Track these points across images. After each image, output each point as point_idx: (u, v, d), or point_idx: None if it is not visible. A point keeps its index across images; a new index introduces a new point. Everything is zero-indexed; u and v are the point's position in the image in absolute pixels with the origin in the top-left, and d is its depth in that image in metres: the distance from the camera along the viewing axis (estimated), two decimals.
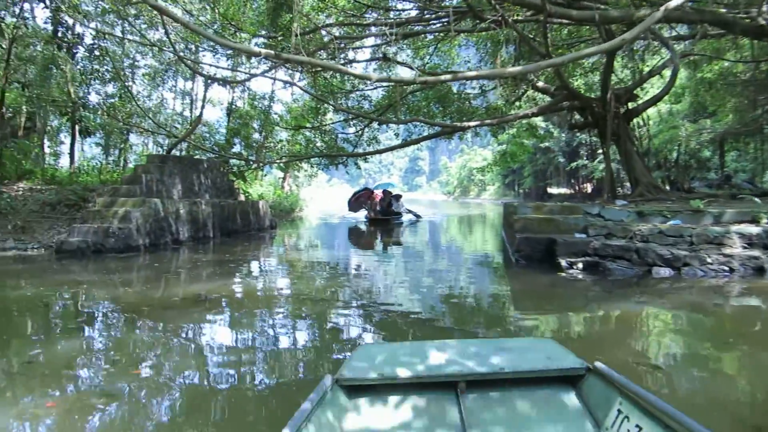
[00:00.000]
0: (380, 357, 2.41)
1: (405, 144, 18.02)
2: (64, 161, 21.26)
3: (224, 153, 19.66)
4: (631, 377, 2.11)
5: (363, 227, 21.01)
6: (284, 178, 34.61)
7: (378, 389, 2.22)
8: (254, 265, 10.04)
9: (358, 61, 19.43)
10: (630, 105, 15.48)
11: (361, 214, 25.42)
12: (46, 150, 20.91)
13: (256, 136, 26.60)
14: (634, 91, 15.61)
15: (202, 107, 15.03)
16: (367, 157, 24.42)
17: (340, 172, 27.71)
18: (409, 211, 26.86)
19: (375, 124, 23.39)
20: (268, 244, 13.90)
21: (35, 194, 13.26)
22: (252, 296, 7.13)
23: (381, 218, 22.72)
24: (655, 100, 16.00)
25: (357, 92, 22.26)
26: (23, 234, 11.85)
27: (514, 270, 9.33)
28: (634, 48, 17.60)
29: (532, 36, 14.79)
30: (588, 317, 6.06)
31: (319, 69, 20.28)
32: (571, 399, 2.18)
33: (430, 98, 19.79)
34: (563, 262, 8.82)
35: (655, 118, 26.23)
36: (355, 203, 25.49)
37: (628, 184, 21.19)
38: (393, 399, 2.20)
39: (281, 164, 31.58)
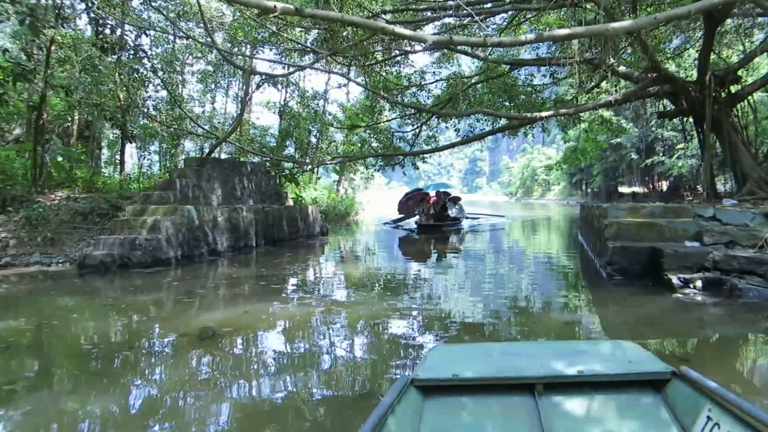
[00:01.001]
0: (455, 357, 2.39)
1: (466, 140, 16.29)
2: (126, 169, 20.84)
3: (273, 155, 18.52)
4: None
5: (413, 235, 18.28)
6: (339, 181, 33.47)
7: (454, 390, 2.13)
8: (292, 282, 8.63)
9: (414, 52, 17.87)
10: (733, 88, 13.16)
11: (413, 220, 21.90)
12: (104, 158, 20.58)
13: (310, 138, 25.57)
14: (738, 72, 13.26)
15: (242, 106, 13.86)
16: (425, 157, 22.86)
17: (398, 174, 26.17)
18: (469, 216, 23.90)
19: (433, 122, 21.91)
20: (314, 254, 12.50)
21: (70, 203, 12.41)
22: (272, 329, 5.67)
23: (433, 224, 19.20)
24: (763, 83, 13.61)
25: (414, 88, 20.83)
26: (52, 246, 10.94)
27: (607, 289, 7.47)
28: (739, 21, 15.19)
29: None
30: (751, 372, 4.24)
31: (373, 63, 18.92)
32: (655, 405, 2.00)
33: (495, 90, 17.99)
34: (675, 279, 6.91)
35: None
36: (405, 206, 22.64)
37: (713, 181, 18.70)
38: (469, 400, 2.10)
39: (335, 166, 30.47)
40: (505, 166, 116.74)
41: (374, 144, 22.60)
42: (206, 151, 25.80)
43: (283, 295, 7.42)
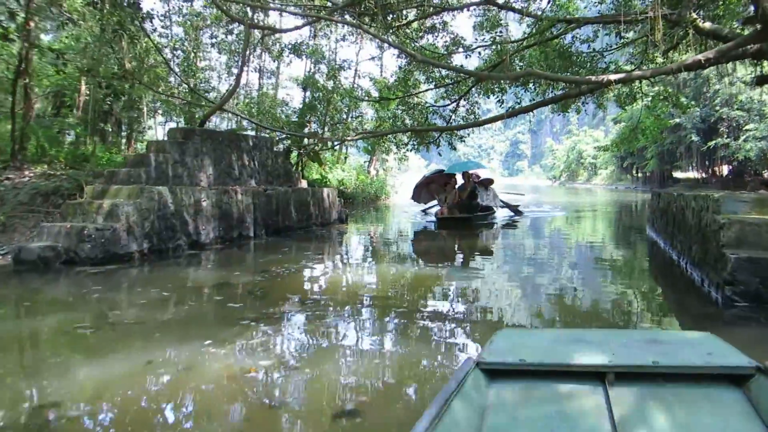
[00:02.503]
0: (522, 342, 2.30)
1: (511, 113, 13.67)
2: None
3: (287, 130, 16.28)
4: None
5: (432, 228, 14.59)
6: (370, 162, 31.14)
7: (520, 375, 2.01)
8: (255, 304, 6.31)
9: (452, 9, 15.31)
10: None
11: (435, 210, 16.81)
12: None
13: (336, 113, 23.28)
14: None
15: (241, 65, 11.56)
16: (463, 136, 20.29)
17: (437, 156, 23.32)
18: (506, 205, 18.81)
19: (473, 96, 19.38)
20: (316, 251, 10.06)
21: (35, 181, 10.47)
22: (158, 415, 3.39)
23: (458, 217, 14.58)
24: None
25: (452, 58, 18.29)
26: (3, 234, 9.02)
27: (728, 324, 4.95)
28: None
29: None
30: None
31: (404, 24, 16.48)
32: (737, 400, 1.82)
33: (549, 57, 15.26)
34: None
35: None
36: (422, 192, 17.67)
37: None
38: (536, 385, 1.96)
39: (366, 145, 28.11)
40: (549, 149, 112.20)
41: (407, 121, 20.17)
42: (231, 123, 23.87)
43: (232, 327, 4.89)
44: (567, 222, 17.43)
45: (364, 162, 32.33)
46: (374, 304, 5.69)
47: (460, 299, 5.90)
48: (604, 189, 59.73)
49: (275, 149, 13.46)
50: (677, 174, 52.88)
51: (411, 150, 22.36)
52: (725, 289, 5.20)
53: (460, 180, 16.40)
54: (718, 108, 37.58)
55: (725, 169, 44.43)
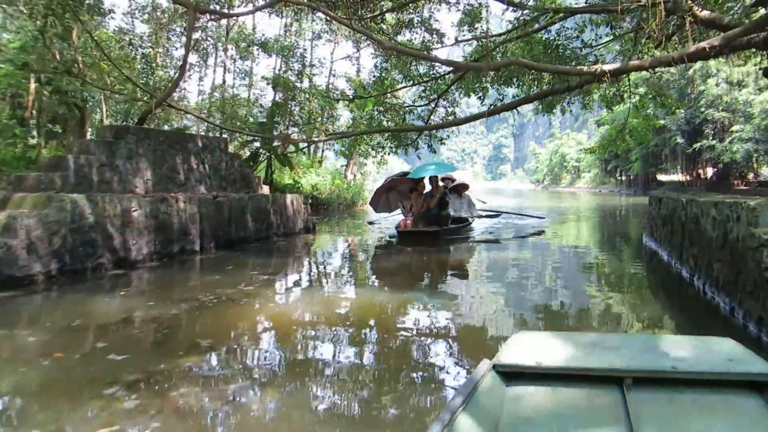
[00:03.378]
0: (539, 344, 2.21)
1: (494, 111, 12.46)
2: None
3: (247, 130, 14.89)
4: None
5: (391, 244, 11.79)
6: (348, 166, 29.77)
7: (537, 378, 1.99)
8: (149, 361, 4.99)
9: None
10: None
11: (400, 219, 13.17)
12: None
13: (310, 114, 21.91)
14: None
15: (186, 53, 10.11)
16: (443, 137, 19.03)
17: (419, 160, 21.86)
18: (485, 213, 16.14)
19: (454, 92, 18.20)
20: (270, 269, 8.52)
21: None
22: None
23: (421, 230, 11.82)
24: None
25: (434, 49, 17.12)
26: None
27: None
28: None
29: None
30: None
31: (377, 15, 15.23)
32: (757, 407, 1.80)
33: (533, 49, 14.07)
34: None
35: None
36: (382, 199, 14.46)
37: None
38: (552, 389, 1.95)
39: (335, 146, 26.79)
40: (532, 152, 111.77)
41: (385, 123, 18.87)
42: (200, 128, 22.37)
43: (92, 401, 3.49)
44: (555, 234, 15.63)
45: (342, 166, 30.98)
46: (308, 356, 4.29)
47: (424, 350, 4.54)
48: (587, 192, 58.97)
49: (236, 151, 12.10)
50: (661, 177, 52.31)
51: (388, 153, 21.13)
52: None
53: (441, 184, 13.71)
54: (703, 109, 36.89)
55: (710, 172, 43.84)
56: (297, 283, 7.52)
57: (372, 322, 5.30)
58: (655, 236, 9.57)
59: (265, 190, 12.54)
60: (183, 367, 3.79)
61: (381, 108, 18.56)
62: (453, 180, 14.46)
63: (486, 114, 12.83)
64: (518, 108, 14.56)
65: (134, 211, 7.98)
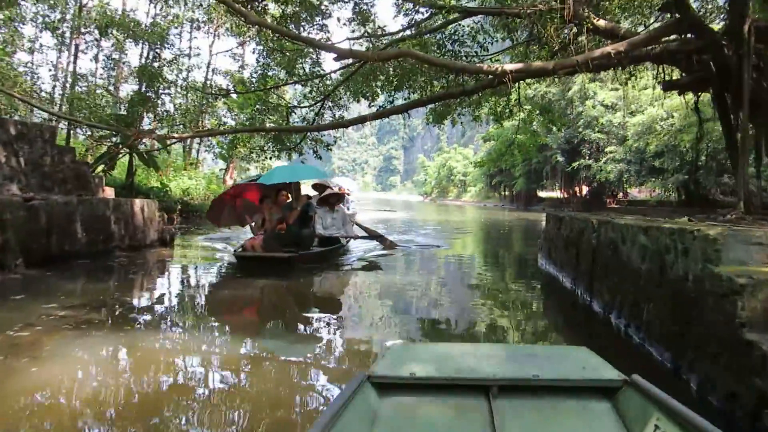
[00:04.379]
0: (413, 356, 2.30)
1: (384, 112, 11.22)
2: None
3: (93, 121, 12.51)
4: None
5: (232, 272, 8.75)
6: (227, 170, 27.45)
7: (409, 388, 2.05)
8: None
9: None
10: None
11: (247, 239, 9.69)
12: None
13: (182, 110, 19.55)
14: None
15: None
16: (329, 143, 17.53)
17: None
18: (368, 234, 11.92)
19: (342, 96, 16.87)
20: (87, 298, 6.28)
21: None
22: None
23: (269, 256, 8.64)
24: None
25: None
26: None
27: None
28: None
29: None
30: None
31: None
32: (606, 412, 1.95)
33: (428, 51, 13.01)
34: None
35: None
36: (226, 210, 10.72)
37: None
38: (424, 399, 2.03)
39: (214, 148, 24.48)
40: (421, 165, 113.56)
41: (268, 125, 17.07)
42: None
43: None
44: (448, 254, 14.23)
45: (221, 170, 28.56)
46: None
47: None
48: (474, 206, 60.19)
49: (91, 147, 9.80)
50: (541, 193, 54.49)
51: (270, 157, 19.28)
52: (762, 415, 2.80)
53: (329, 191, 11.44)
54: (581, 130, 38.48)
55: (584, 190, 46.09)
56: (99, 325, 5.08)
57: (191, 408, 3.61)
58: (554, 259, 8.67)
59: (109, 193, 10.34)
60: None
61: (263, 107, 16.86)
62: (335, 188, 12.31)
63: (375, 116, 11.59)
64: (408, 119, 13.47)
65: None
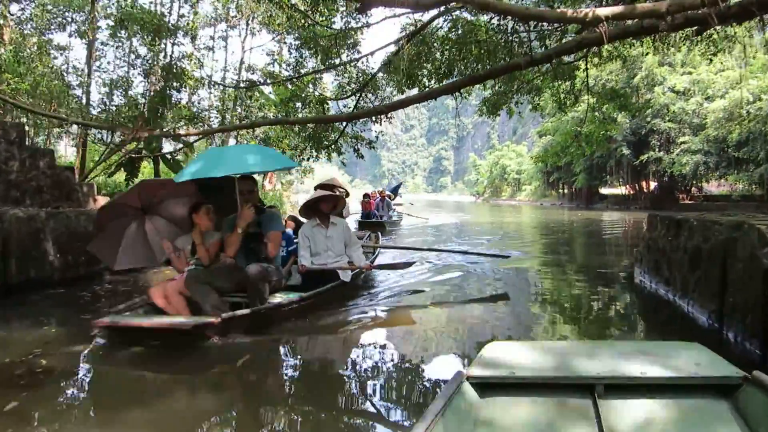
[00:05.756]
0: (512, 355, 2.22)
1: (433, 93, 9.11)
2: None
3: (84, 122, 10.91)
4: None
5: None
6: (265, 174, 25.86)
7: (510, 388, 1.99)
8: None
9: None
10: None
11: None
12: None
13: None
14: None
15: None
16: (371, 140, 15.55)
17: (364, 170, 18.28)
18: (381, 263, 7.89)
19: (384, 89, 15.20)
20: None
21: None
22: None
23: (168, 327, 4.29)
24: None
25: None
26: None
27: None
28: None
29: None
30: None
31: None
32: (725, 411, 1.82)
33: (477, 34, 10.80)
34: None
35: None
36: (127, 231, 5.64)
37: None
38: (525, 398, 1.96)
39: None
40: (472, 164, 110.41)
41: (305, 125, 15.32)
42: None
43: None
44: (519, 266, 11.42)
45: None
46: None
47: None
48: (529, 206, 56.97)
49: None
50: (603, 190, 50.90)
51: (308, 158, 17.46)
52: None
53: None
54: (649, 119, 35.08)
55: (652, 185, 42.44)
56: None
57: None
58: (666, 278, 6.29)
59: (100, 201, 8.61)
60: None
61: (299, 102, 15.25)
62: (339, 190, 7.78)
63: (422, 97, 9.49)
64: (459, 118, 11.28)
65: None
